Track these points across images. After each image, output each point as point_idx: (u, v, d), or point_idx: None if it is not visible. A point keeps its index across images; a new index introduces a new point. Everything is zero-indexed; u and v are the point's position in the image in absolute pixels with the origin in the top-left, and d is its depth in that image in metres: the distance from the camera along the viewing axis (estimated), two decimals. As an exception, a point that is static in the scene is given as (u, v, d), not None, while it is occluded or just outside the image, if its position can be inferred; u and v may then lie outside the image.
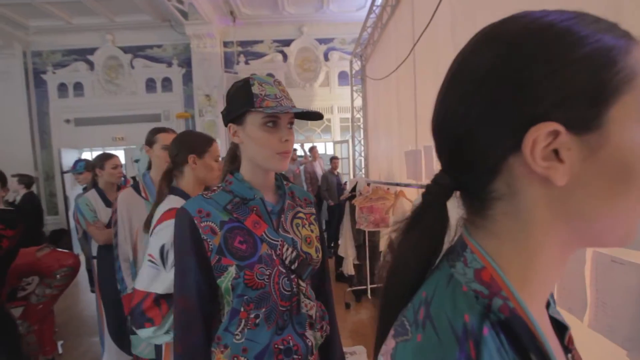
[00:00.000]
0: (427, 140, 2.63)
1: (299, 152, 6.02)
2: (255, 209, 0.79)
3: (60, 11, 5.52)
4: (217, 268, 0.75)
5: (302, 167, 5.89)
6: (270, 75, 1.11)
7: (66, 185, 5.90)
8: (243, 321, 0.76)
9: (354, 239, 3.44)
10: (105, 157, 2.28)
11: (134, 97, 6.23)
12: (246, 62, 6.16)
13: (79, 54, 6.18)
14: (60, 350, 2.78)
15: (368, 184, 3.28)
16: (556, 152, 0.27)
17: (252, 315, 0.76)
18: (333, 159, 5.78)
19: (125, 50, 6.15)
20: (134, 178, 3.56)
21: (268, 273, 0.76)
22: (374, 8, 3.84)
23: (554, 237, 0.30)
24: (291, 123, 0.79)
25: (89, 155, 8.18)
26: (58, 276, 2.09)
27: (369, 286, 3.44)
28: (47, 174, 6.30)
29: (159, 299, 1.02)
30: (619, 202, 0.28)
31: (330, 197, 5.60)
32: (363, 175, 5.20)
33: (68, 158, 6.07)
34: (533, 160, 0.27)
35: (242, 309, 0.76)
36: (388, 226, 3.19)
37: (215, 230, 0.76)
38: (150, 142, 1.55)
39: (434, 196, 0.34)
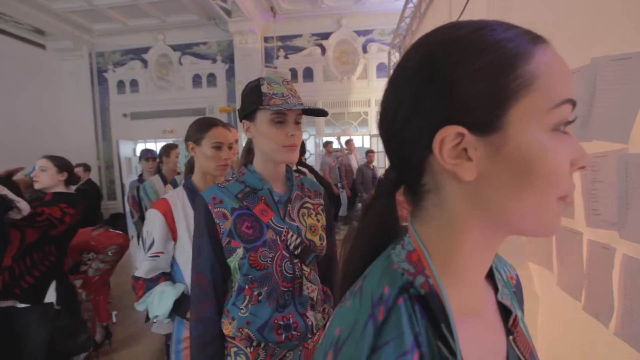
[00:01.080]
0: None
1: (335, 145, 6.06)
2: (263, 198, 0.88)
3: (119, 14, 6.04)
4: (228, 249, 0.84)
5: (338, 160, 5.94)
6: (285, 73, 1.16)
7: (123, 173, 6.49)
8: (247, 297, 0.85)
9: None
10: (170, 147, 2.69)
11: (182, 92, 6.66)
12: (285, 57, 6.30)
13: (134, 53, 6.73)
14: (114, 319, 3.13)
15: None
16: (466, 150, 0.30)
17: (255, 293, 0.85)
18: (369, 152, 5.76)
19: (175, 48, 6.58)
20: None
21: (271, 256, 0.84)
22: (412, -3, 3.74)
23: (473, 226, 0.33)
24: (299, 119, 0.87)
25: (142, 146, 8.90)
26: (109, 252, 2.37)
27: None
28: (107, 163, 6.98)
29: (138, 280, 1.19)
30: (524, 194, 0.30)
31: (364, 190, 5.60)
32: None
33: (125, 149, 6.68)
34: (442, 159, 0.31)
35: (246, 287, 0.85)
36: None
37: (226, 215, 0.85)
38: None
39: (383, 189, 0.39)
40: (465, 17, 2.29)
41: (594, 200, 0.86)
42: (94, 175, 6.78)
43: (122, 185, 6.52)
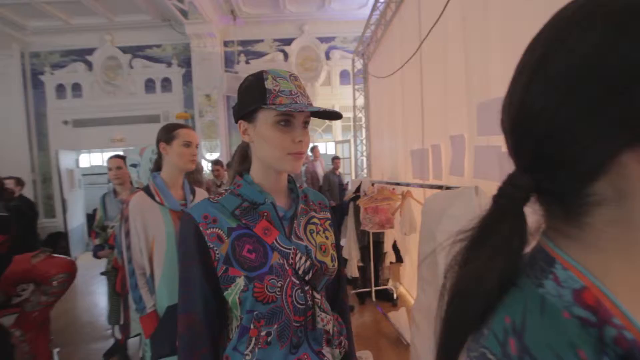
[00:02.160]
0: (433, 138, 2.55)
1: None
2: (265, 214, 0.73)
3: (59, 11, 5.45)
4: (224, 279, 0.69)
5: (303, 168, 5.81)
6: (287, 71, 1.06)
7: (64, 187, 5.81)
8: (253, 339, 0.69)
9: (357, 240, 3.35)
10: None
11: (133, 97, 6.15)
12: (247, 62, 6.08)
13: (77, 54, 6.11)
14: (56, 359, 2.69)
15: (372, 184, 3.20)
16: None
17: (263, 333, 0.69)
18: (335, 159, 5.70)
19: (125, 50, 6.07)
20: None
21: (280, 285, 0.69)
22: (378, 5, 3.76)
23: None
24: (307, 122, 0.72)
25: (87, 157, 8.10)
26: (55, 283, 1.97)
27: (373, 288, 3.35)
28: (45, 176, 6.21)
29: None
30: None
31: (331, 198, 5.51)
32: (365, 175, 5.12)
33: (66, 160, 6.00)
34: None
35: (251, 326, 0.69)
36: (393, 227, 3.11)
37: (222, 237, 0.70)
38: (167, 138, 1.43)
39: (511, 201, 0.28)
40: (438, 25, 2.30)
41: None
42: (27, 190, 6.00)
43: (63, 201, 5.82)
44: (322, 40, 6.13)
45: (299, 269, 0.71)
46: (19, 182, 3.88)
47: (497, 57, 1.69)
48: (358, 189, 3.37)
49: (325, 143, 6.81)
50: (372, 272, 3.31)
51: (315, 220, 0.81)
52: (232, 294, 0.68)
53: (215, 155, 5.86)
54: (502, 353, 0.25)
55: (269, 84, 0.69)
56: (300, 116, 0.70)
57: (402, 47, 3.32)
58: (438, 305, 0.31)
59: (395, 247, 3.57)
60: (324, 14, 5.89)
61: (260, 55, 6.13)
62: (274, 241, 0.71)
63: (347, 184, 5.95)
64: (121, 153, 2.64)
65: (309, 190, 0.86)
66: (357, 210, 3.24)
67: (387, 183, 2.99)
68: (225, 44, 6.07)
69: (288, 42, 6.12)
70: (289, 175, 0.80)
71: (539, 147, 0.26)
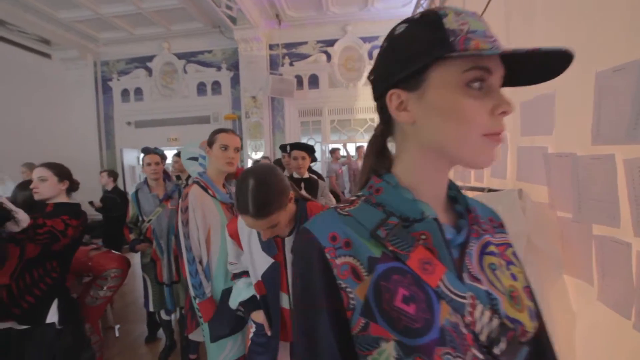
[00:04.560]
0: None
1: (342, 152, 5.98)
2: (424, 237, 0.45)
3: (125, 23, 6.04)
4: (363, 340, 0.42)
5: (344, 168, 5.84)
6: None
7: (127, 182, 6.43)
8: None
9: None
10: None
11: (186, 100, 6.62)
12: (290, 64, 6.26)
13: (139, 61, 6.72)
14: (117, 334, 3.02)
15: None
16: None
17: None
18: (376, 159, 5.66)
19: (179, 56, 6.56)
20: (178, 177, 3.70)
21: None
22: (422, 2, 3.69)
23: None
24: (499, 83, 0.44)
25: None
26: (109, 277, 2.17)
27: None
28: (112, 172, 6.93)
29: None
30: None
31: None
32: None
33: (128, 157, 6.63)
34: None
35: None
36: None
37: (359, 273, 0.44)
38: (210, 142, 1.58)
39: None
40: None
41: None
42: (98, 185, 6.73)
43: (127, 194, 6.44)
44: (365, 40, 6.11)
45: (480, 332, 0.42)
46: (111, 174, 4.17)
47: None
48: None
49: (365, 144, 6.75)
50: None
51: (492, 247, 0.51)
52: None
53: (259, 155, 6.11)
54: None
55: (451, 23, 0.42)
56: (498, 73, 0.43)
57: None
58: None
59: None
60: (366, 13, 5.86)
61: (303, 57, 6.27)
62: (440, 283, 0.43)
63: (387, 185, 5.86)
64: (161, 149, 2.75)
65: (471, 200, 0.55)
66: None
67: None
68: (271, 47, 6.29)
69: (331, 43, 6.18)
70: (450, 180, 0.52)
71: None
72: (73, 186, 1.77)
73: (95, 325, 2.12)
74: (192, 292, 1.45)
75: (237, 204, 1.01)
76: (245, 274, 1.33)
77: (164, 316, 2.57)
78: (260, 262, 1.18)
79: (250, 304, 1.27)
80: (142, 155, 2.56)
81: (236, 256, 1.30)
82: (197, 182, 1.55)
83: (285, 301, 1.19)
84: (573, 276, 1.41)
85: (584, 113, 1.39)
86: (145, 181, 2.59)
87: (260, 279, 1.20)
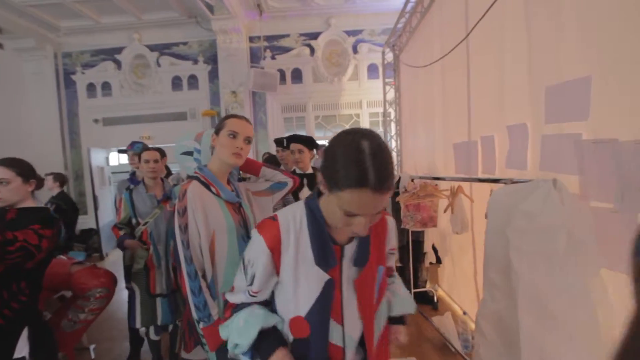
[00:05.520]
0: (484, 130, 2.35)
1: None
2: None
3: (90, 10, 5.53)
4: None
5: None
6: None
7: (95, 184, 5.91)
8: None
9: (396, 239, 3.19)
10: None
11: (160, 95, 6.19)
12: (272, 57, 6.00)
13: (107, 53, 6.20)
14: (92, 355, 2.68)
15: (412, 180, 3.03)
16: None
17: None
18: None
19: (152, 48, 6.11)
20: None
21: None
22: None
23: None
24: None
25: (115, 155, 8.25)
26: (92, 298, 1.82)
27: (412, 290, 3.19)
28: (77, 174, 6.36)
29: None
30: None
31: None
32: (396, 171, 4.94)
33: (96, 157, 6.11)
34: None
35: None
36: (436, 225, 2.93)
37: None
38: (217, 129, 1.30)
39: None
40: (493, 7, 2.10)
41: None
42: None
43: (95, 198, 5.93)
44: (350, 33, 5.96)
45: None
46: (58, 177, 3.70)
47: (572, 34, 1.50)
48: (396, 185, 3.20)
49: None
50: (411, 273, 3.14)
51: None
52: None
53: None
54: None
55: None
56: None
57: (442, 36, 3.13)
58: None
59: (433, 248, 3.39)
60: (351, 6, 5.72)
61: (286, 50, 6.03)
62: None
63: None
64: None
65: None
66: (395, 206, 3.08)
67: (435, 178, 2.80)
68: (251, 39, 6.00)
69: (314, 36, 5.99)
70: None
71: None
72: (38, 184, 1.46)
73: (71, 354, 1.79)
74: (194, 315, 1.16)
75: (346, 174, 0.68)
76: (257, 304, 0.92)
77: (152, 336, 2.25)
78: (309, 288, 0.83)
79: (269, 342, 0.84)
80: (119, 153, 2.24)
81: (265, 282, 0.86)
82: (197, 178, 1.26)
83: (336, 335, 0.85)
84: (614, 270, 1.32)
85: (626, 96, 1.28)
86: (131, 178, 2.29)
87: (302, 314, 0.84)
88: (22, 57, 5.97)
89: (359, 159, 0.67)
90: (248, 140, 1.29)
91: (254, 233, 0.86)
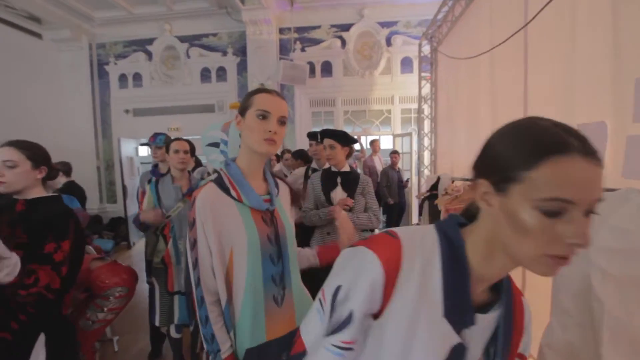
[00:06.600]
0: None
1: (356, 146, 5.60)
2: None
3: (123, 1, 5.55)
4: None
5: (358, 163, 5.47)
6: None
7: (125, 174, 5.99)
8: None
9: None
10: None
11: (189, 87, 6.17)
12: (302, 49, 5.83)
13: (138, 44, 6.24)
14: (115, 348, 2.63)
15: (453, 181, 2.78)
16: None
17: None
18: (393, 154, 5.30)
19: (182, 39, 6.09)
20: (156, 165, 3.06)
21: None
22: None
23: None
24: None
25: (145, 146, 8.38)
26: (111, 297, 1.69)
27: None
28: (108, 163, 6.47)
29: None
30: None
31: (390, 195, 5.13)
32: (427, 171, 4.66)
33: (126, 148, 6.18)
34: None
35: None
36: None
37: None
38: (242, 108, 1.03)
39: None
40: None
41: None
42: (92, 176, 6.28)
43: (124, 187, 6.00)
44: (383, 25, 5.69)
45: None
46: (62, 167, 3.45)
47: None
48: (434, 187, 2.96)
49: (380, 136, 6.39)
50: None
51: None
52: None
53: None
54: None
55: None
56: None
57: (492, 23, 2.84)
58: None
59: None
60: (386, -4, 5.45)
61: (316, 42, 5.84)
62: None
63: (407, 181, 5.51)
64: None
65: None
66: (433, 210, 2.84)
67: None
68: (281, 31, 5.85)
69: (346, 27, 5.76)
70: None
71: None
72: (51, 174, 1.29)
73: (90, 353, 1.69)
74: (205, 346, 0.97)
75: (536, 143, 0.46)
76: None
77: (173, 334, 2.16)
78: (427, 348, 0.54)
79: None
80: (140, 146, 2.11)
81: (360, 331, 0.56)
82: (217, 179, 1.03)
83: None
84: None
85: None
86: (153, 170, 2.18)
87: None
88: (59, 47, 6.11)
89: (546, 125, 0.48)
90: (282, 122, 1.01)
91: (357, 250, 0.56)
